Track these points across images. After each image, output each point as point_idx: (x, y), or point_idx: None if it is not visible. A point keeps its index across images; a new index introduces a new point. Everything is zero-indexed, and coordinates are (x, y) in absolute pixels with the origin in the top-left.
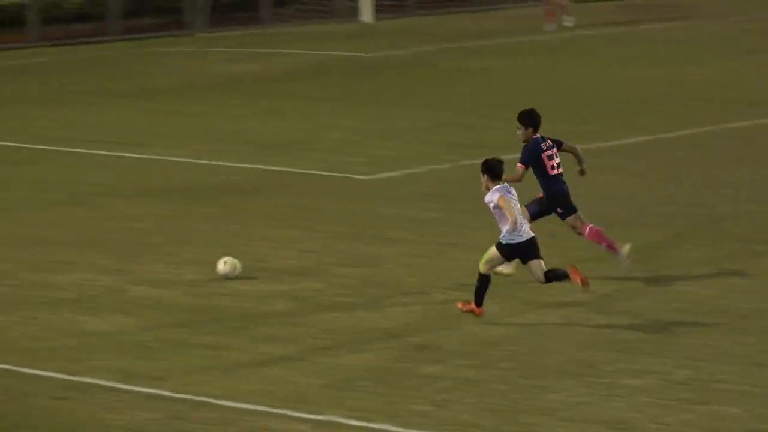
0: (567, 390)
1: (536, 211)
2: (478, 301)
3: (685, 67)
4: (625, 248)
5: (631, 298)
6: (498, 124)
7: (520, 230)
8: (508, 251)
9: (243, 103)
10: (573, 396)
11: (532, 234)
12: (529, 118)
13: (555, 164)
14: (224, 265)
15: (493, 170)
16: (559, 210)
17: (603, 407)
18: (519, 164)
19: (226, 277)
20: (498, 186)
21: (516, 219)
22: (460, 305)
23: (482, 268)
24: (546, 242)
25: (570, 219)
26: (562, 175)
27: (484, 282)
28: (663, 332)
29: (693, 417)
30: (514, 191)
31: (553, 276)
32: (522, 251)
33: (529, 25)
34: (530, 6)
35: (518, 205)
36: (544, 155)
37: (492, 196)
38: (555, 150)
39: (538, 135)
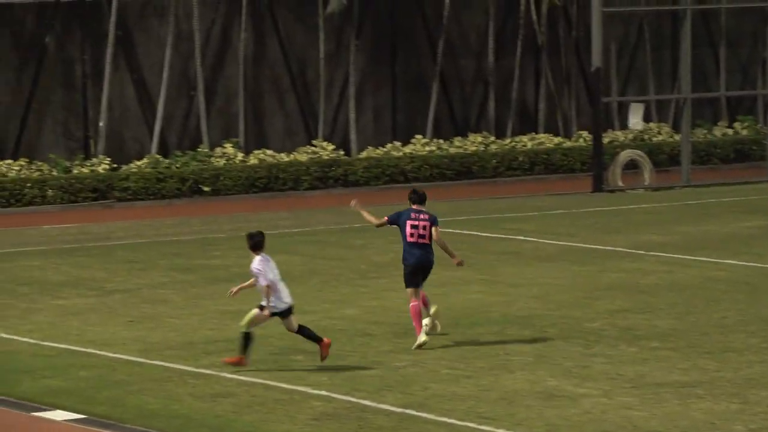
0: None
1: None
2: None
3: None
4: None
5: None
6: None
7: (281, 296)
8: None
9: None
10: None
11: (292, 301)
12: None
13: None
14: None
15: (252, 241)
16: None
17: None
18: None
19: None
20: (259, 257)
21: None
22: (226, 359)
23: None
24: None
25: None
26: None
27: (247, 338)
28: None
29: None
30: (273, 262)
31: (307, 333)
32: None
33: None
34: None
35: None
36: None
37: (254, 265)
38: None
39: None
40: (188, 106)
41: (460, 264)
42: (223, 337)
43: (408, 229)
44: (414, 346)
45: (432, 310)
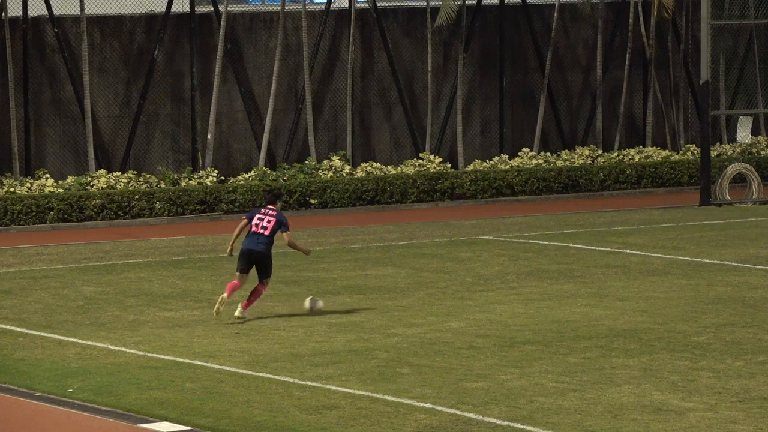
0: None
1: None
2: None
3: None
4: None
5: None
6: None
7: None
8: None
9: None
10: None
11: None
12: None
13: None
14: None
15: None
16: None
17: None
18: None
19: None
20: None
21: None
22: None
23: None
24: None
25: None
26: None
27: None
28: None
29: None
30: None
31: None
32: None
33: None
34: None
35: None
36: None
37: None
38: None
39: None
40: (296, 119)
41: (307, 253)
42: (329, 349)
43: (254, 221)
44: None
45: (238, 312)
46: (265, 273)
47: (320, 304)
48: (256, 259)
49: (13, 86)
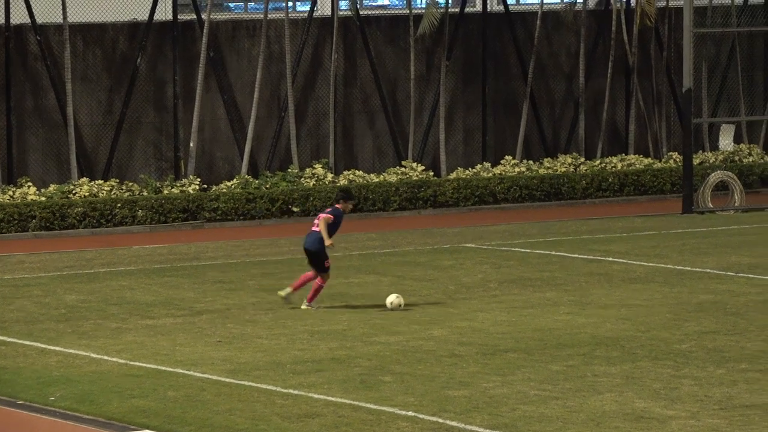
0: None
1: None
2: None
3: None
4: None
5: None
6: None
7: None
8: None
9: None
10: None
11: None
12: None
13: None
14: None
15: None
16: None
17: None
18: None
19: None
20: None
21: None
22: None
23: None
24: None
25: None
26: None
27: None
28: None
29: None
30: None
31: None
32: None
33: None
34: None
35: None
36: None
37: None
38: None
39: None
40: (278, 127)
41: (329, 246)
42: (311, 357)
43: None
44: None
45: (304, 305)
46: (317, 268)
47: (399, 301)
48: (308, 254)
49: None
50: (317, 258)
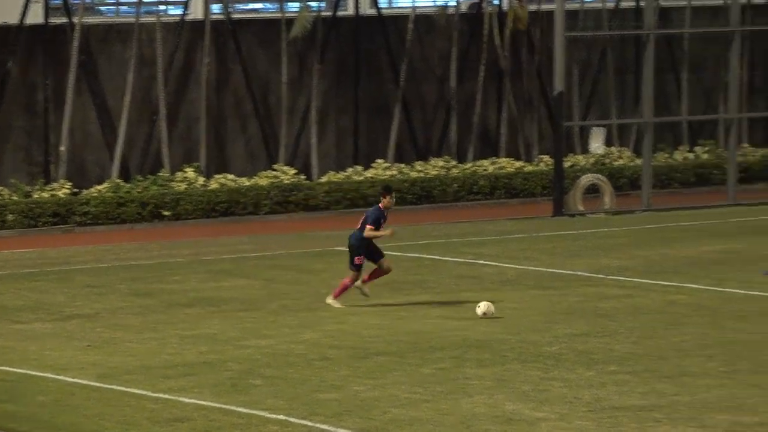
0: None
1: None
2: None
3: None
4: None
5: None
6: None
7: None
8: None
9: None
10: None
11: None
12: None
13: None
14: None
15: None
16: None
17: None
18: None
19: None
20: None
21: None
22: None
23: None
24: None
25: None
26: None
27: None
28: None
29: None
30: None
31: None
32: None
33: None
34: None
35: None
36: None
37: None
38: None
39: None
40: (150, 131)
41: (391, 235)
42: (181, 362)
43: None
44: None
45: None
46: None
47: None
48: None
49: None
50: (350, 253)
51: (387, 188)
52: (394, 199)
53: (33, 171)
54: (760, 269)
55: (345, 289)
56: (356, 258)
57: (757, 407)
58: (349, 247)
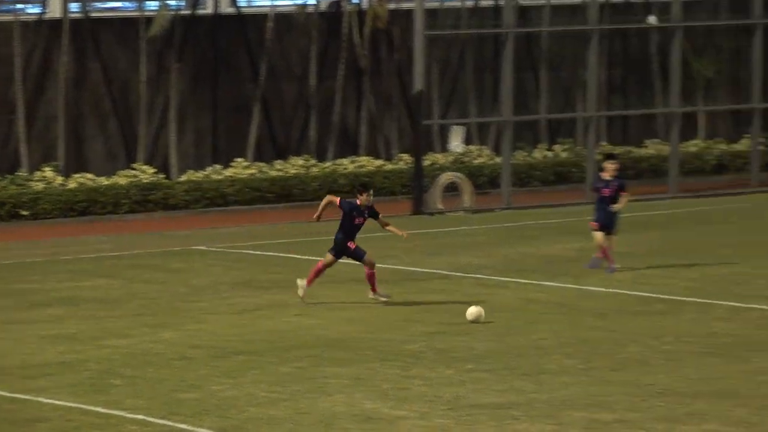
0: None
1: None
2: None
3: None
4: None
5: None
6: None
7: None
8: None
9: None
10: None
11: None
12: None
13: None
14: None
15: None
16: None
17: None
18: None
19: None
20: None
21: None
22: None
23: None
24: None
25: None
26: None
27: None
28: None
29: None
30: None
31: None
32: None
33: None
34: None
35: None
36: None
37: None
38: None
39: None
40: (8, 130)
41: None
42: (39, 362)
43: None
44: None
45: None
46: (352, 256)
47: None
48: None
49: None
50: (341, 247)
51: (364, 185)
52: (372, 197)
53: None
54: (584, 264)
55: (373, 278)
56: (349, 243)
57: (615, 404)
58: (336, 242)
